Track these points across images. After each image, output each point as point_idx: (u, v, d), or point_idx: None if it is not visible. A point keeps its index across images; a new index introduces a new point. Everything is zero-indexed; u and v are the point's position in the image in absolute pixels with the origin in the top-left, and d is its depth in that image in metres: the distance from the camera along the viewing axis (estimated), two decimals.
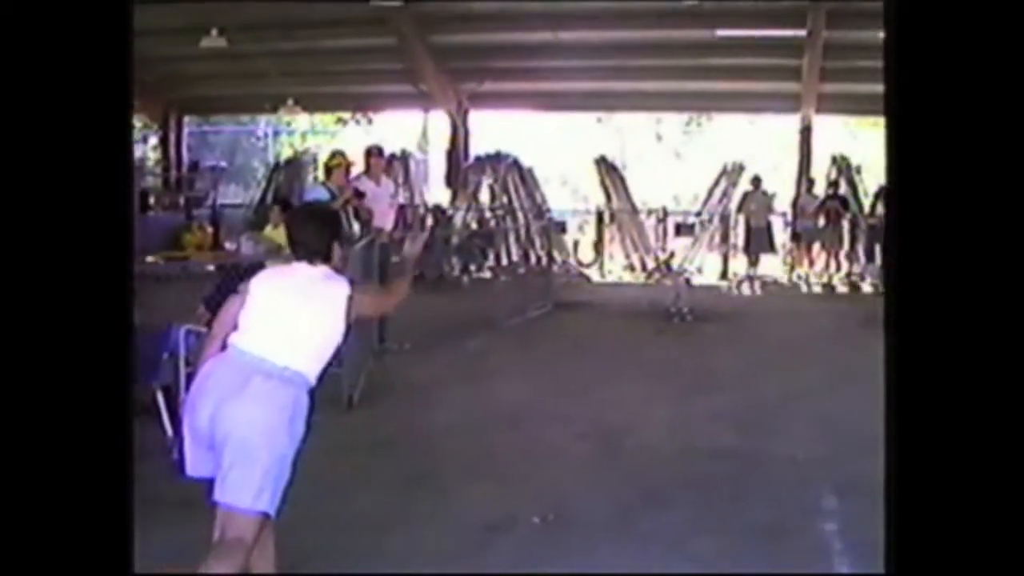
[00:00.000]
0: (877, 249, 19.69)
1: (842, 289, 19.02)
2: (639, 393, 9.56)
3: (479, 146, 22.53)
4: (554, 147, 28.21)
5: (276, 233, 11.14)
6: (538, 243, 19.72)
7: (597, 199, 22.41)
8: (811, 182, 20.58)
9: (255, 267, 8.66)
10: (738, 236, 20.61)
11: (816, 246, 19.96)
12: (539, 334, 13.21)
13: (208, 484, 4.28)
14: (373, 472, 7.01)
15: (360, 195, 10.93)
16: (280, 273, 4.80)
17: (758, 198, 20.11)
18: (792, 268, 20.12)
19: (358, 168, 11.65)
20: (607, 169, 21.92)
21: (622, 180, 21.96)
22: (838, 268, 19.83)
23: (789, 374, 10.51)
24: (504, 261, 19.95)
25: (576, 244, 21.49)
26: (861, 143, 26.08)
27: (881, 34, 13.04)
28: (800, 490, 6.79)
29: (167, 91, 24.68)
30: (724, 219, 20.77)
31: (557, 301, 15.54)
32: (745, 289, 19.13)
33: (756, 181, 20.34)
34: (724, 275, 20.20)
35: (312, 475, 6.82)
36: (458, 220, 20.78)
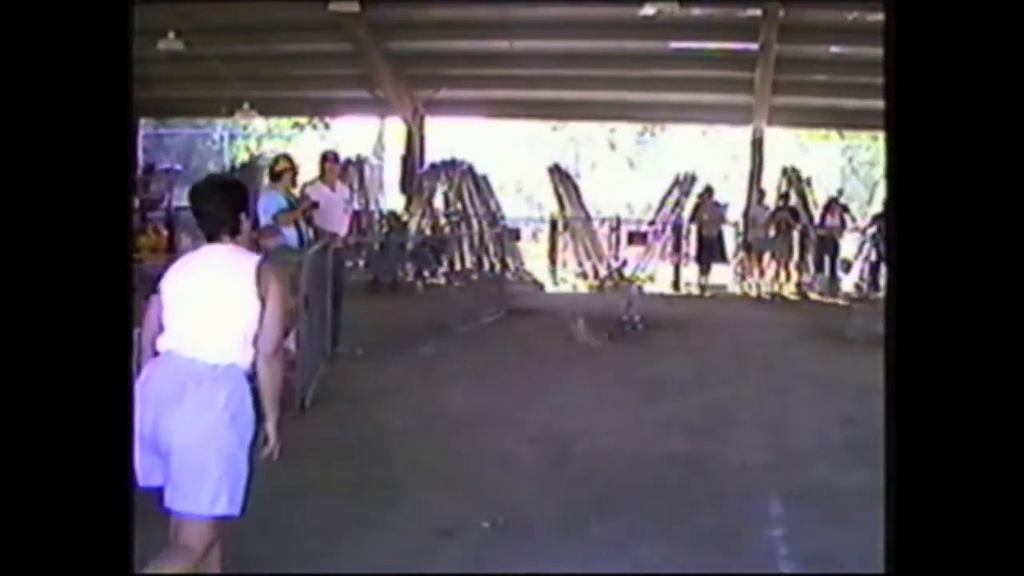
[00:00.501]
0: (826, 260, 19.99)
1: (792, 298, 19.23)
2: (590, 399, 9.64)
3: (434, 152, 22.55)
4: (509, 154, 28.29)
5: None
6: (492, 250, 19.78)
7: (551, 207, 22.51)
8: (762, 193, 20.78)
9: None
10: (690, 245, 20.76)
11: (767, 256, 20.14)
12: (492, 340, 13.26)
13: (159, 493, 4.18)
14: (324, 477, 6.99)
15: (315, 205, 10.92)
16: (186, 263, 4.48)
17: (710, 208, 20.28)
18: (743, 277, 20.29)
19: (305, 172, 11.61)
20: (561, 177, 22.03)
21: (576, 188, 22.06)
22: (788, 278, 20.03)
23: (738, 381, 10.63)
24: (458, 267, 19.98)
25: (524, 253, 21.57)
26: (812, 156, 26.45)
27: (833, 48, 13.18)
28: (748, 496, 6.88)
29: None
30: (676, 228, 20.93)
31: (510, 308, 15.60)
32: (696, 297, 19.28)
33: (708, 191, 20.53)
34: (676, 284, 20.35)
35: (262, 480, 6.84)
36: (413, 226, 20.80)
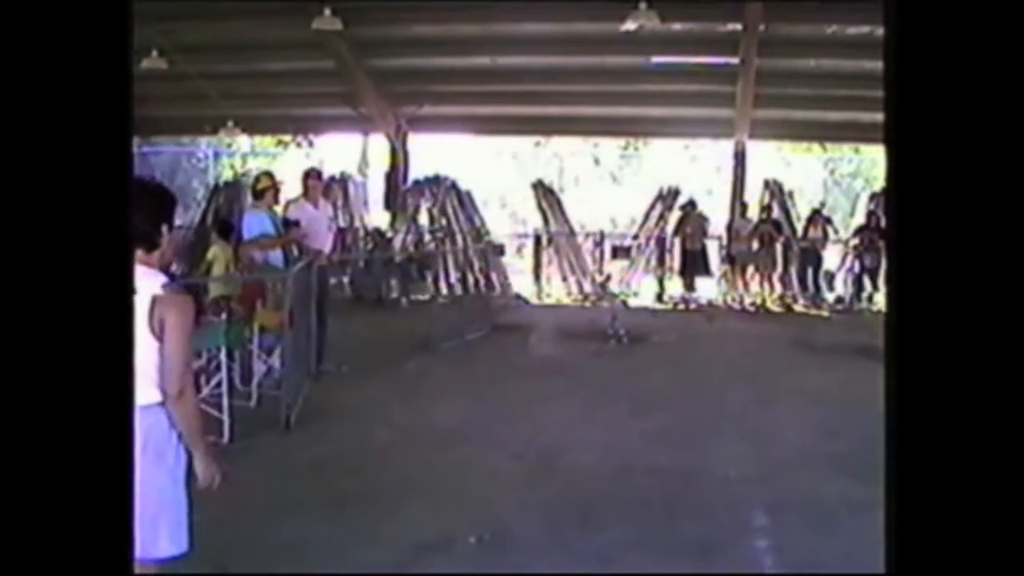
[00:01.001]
0: (809, 272, 20.08)
1: (776, 310, 19.29)
2: (575, 413, 9.66)
3: (418, 169, 22.61)
4: (492, 170, 28.34)
5: (215, 252, 11.15)
6: (476, 266, 19.82)
7: (535, 222, 22.56)
8: (744, 206, 20.87)
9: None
10: (674, 259, 20.85)
11: (750, 269, 20.24)
12: (477, 356, 13.28)
13: None
14: (309, 494, 7.02)
15: (295, 223, 10.93)
16: None
17: (693, 221, 20.35)
18: (727, 290, 20.36)
19: (288, 189, 11.63)
20: (544, 192, 22.08)
21: (559, 203, 22.11)
22: (771, 290, 20.13)
23: (722, 394, 10.66)
24: (443, 283, 20.02)
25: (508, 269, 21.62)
26: (794, 168, 26.56)
27: (813, 62, 13.25)
28: (732, 507, 6.91)
29: None
30: (660, 242, 21.02)
31: (495, 323, 15.64)
32: (681, 311, 19.34)
33: (691, 205, 20.61)
34: (660, 297, 20.41)
35: (249, 497, 6.89)
36: (397, 242, 20.83)
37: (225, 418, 8.27)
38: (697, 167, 28.35)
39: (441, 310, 16.39)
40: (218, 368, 8.52)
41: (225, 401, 8.35)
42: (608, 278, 20.65)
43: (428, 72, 21.27)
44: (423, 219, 21.54)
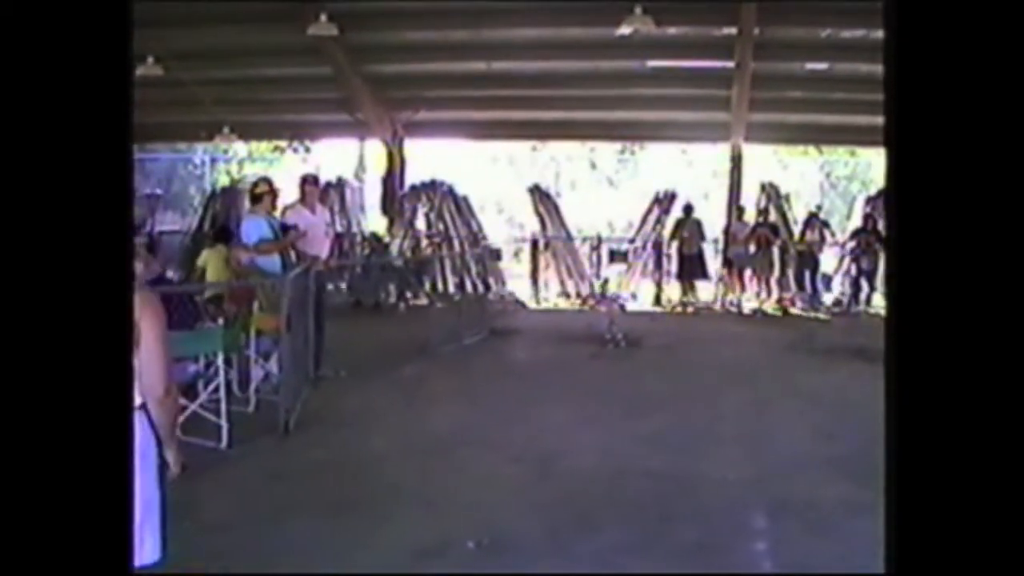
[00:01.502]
0: (806, 274, 20.10)
1: (773, 313, 19.32)
2: (573, 417, 9.67)
3: (415, 174, 22.62)
4: (489, 175, 28.37)
5: (210, 256, 11.17)
6: (474, 270, 19.84)
7: (532, 226, 22.58)
8: (741, 210, 20.88)
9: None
10: (671, 263, 20.86)
11: (747, 272, 20.25)
12: (475, 360, 13.29)
13: None
14: (307, 498, 7.03)
15: (293, 228, 10.97)
16: None
17: (690, 225, 20.37)
18: (724, 294, 20.38)
19: (285, 195, 11.64)
20: (541, 197, 22.10)
21: (556, 208, 22.13)
22: (769, 293, 20.15)
23: (720, 397, 10.67)
24: (440, 288, 20.03)
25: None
26: (790, 171, 26.58)
27: (808, 65, 13.30)
28: (730, 510, 6.91)
29: None
30: (657, 246, 21.02)
31: (493, 328, 15.64)
32: (678, 314, 19.37)
33: (688, 209, 20.63)
34: (658, 301, 20.42)
35: (246, 501, 6.91)
36: (394, 248, 20.85)
37: (223, 423, 8.27)
38: (694, 171, 28.37)
39: (439, 315, 16.38)
40: (216, 373, 8.52)
41: (223, 406, 8.35)
42: (606, 282, 20.66)
43: (424, 77, 21.30)
44: (420, 224, 21.57)
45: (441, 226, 21.08)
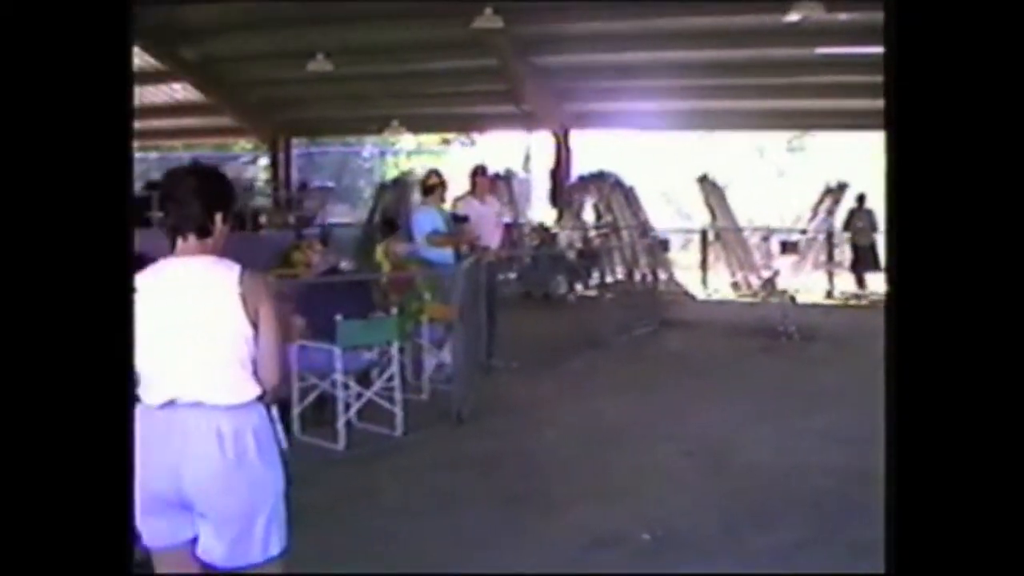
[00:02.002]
0: None
1: None
2: (746, 411, 9.52)
3: (582, 165, 22.60)
4: (656, 165, 28.17)
5: (385, 247, 11.34)
6: (643, 261, 19.73)
7: (701, 217, 22.35)
8: None
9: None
10: (844, 254, 20.40)
11: None
12: (645, 352, 13.24)
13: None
14: (480, 487, 7.09)
15: (464, 219, 11.10)
16: (153, 286, 3.55)
17: (863, 216, 19.89)
18: None
19: (455, 186, 11.74)
20: (710, 187, 21.84)
21: (725, 198, 21.86)
22: None
23: None
24: (609, 279, 19.98)
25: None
26: None
27: None
28: None
29: (276, 114, 25.25)
30: (829, 237, 20.59)
31: (663, 319, 15.55)
32: (851, 307, 18.93)
33: (861, 199, 20.15)
34: (830, 294, 20.00)
35: (421, 489, 7.01)
36: (563, 238, 20.88)
37: (398, 411, 8.40)
38: (866, 160, 27.67)
39: (609, 306, 16.32)
40: (390, 362, 8.64)
41: (398, 395, 8.48)
42: (776, 274, 20.31)
43: (590, 68, 21.25)
44: (588, 215, 21.55)
45: (609, 217, 21.03)
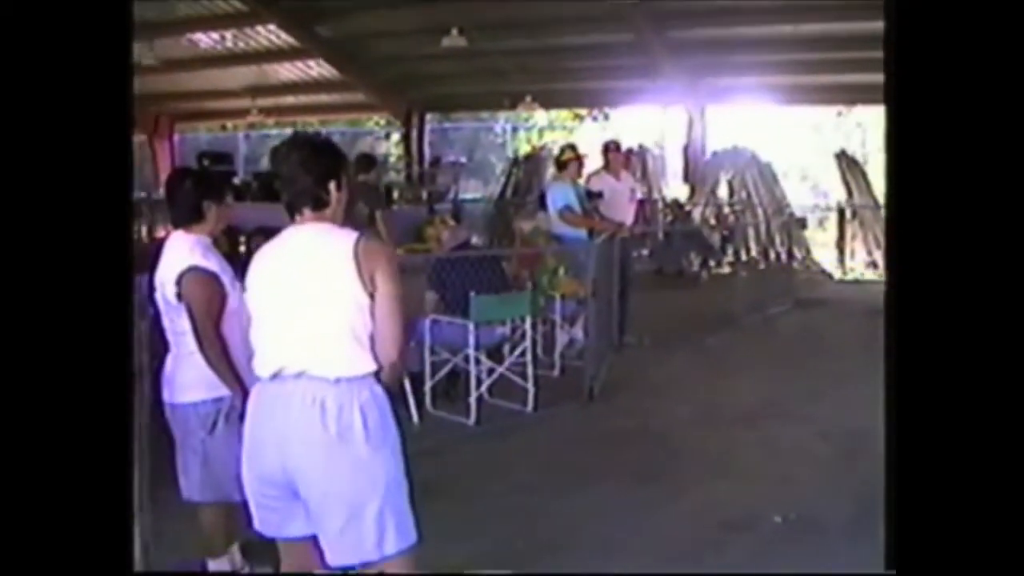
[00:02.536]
0: None
1: None
2: (882, 393, 9.30)
3: (717, 141, 22.32)
4: (793, 141, 27.67)
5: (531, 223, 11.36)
6: (778, 239, 19.43)
7: (837, 194, 21.89)
8: None
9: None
10: None
11: None
12: (779, 331, 13.07)
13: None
14: (611, 464, 7.08)
15: (599, 194, 11.06)
16: (268, 255, 3.61)
17: None
18: None
19: (590, 162, 11.69)
20: (848, 164, 21.37)
21: (863, 175, 21.34)
22: None
23: None
24: (743, 257, 19.73)
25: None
26: None
27: None
28: None
29: (410, 89, 25.44)
30: None
31: (798, 298, 15.30)
32: None
33: None
34: None
35: (551, 465, 7.03)
36: (696, 215, 20.68)
37: (530, 387, 8.43)
38: None
39: (742, 284, 16.11)
40: (523, 337, 8.66)
41: (530, 370, 8.50)
42: None
43: (727, 42, 20.89)
44: (722, 192, 21.30)
45: (744, 194, 20.75)
